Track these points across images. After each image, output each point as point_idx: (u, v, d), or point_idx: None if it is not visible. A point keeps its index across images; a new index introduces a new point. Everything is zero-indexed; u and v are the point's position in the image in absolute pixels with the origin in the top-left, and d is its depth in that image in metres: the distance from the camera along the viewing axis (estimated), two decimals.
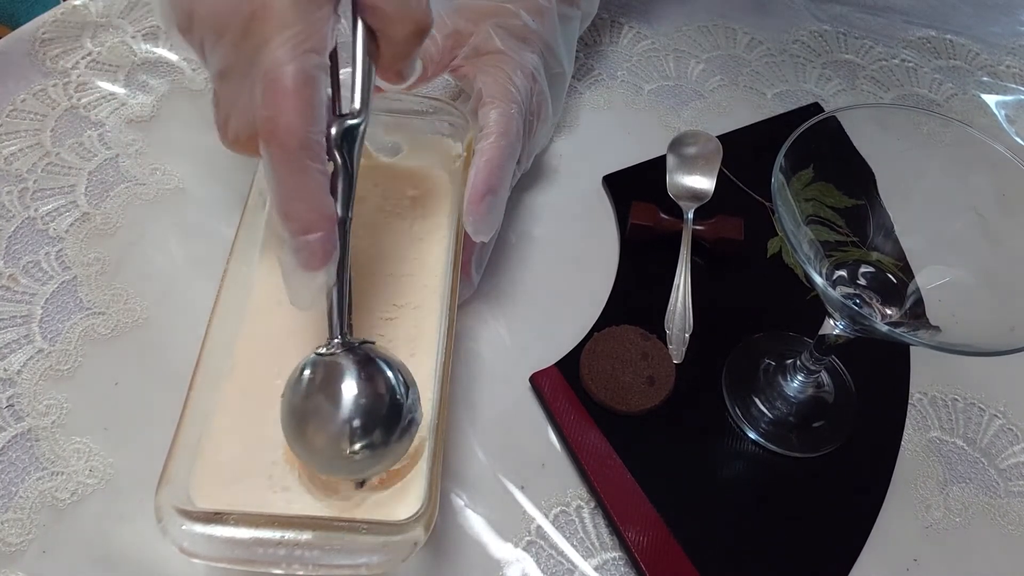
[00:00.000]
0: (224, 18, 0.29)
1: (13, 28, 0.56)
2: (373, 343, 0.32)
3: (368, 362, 0.31)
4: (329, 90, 0.30)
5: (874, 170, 0.37)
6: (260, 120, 0.28)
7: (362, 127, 0.32)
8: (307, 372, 0.31)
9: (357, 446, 0.30)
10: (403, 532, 0.29)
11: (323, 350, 0.31)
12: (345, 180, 0.31)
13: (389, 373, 0.31)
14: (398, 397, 0.31)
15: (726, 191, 0.50)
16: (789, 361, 0.43)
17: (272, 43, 0.28)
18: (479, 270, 0.45)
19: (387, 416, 0.30)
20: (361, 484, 0.32)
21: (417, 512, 0.30)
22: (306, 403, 0.31)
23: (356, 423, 0.30)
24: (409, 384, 0.32)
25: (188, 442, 0.32)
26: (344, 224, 0.31)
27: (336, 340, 0.31)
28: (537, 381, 0.43)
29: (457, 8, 0.46)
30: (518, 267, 0.48)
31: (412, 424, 0.31)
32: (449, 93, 0.54)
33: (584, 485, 0.40)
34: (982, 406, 0.44)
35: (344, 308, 0.31)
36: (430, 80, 0.48)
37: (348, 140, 0.31)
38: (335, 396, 0.30)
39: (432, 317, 0.38)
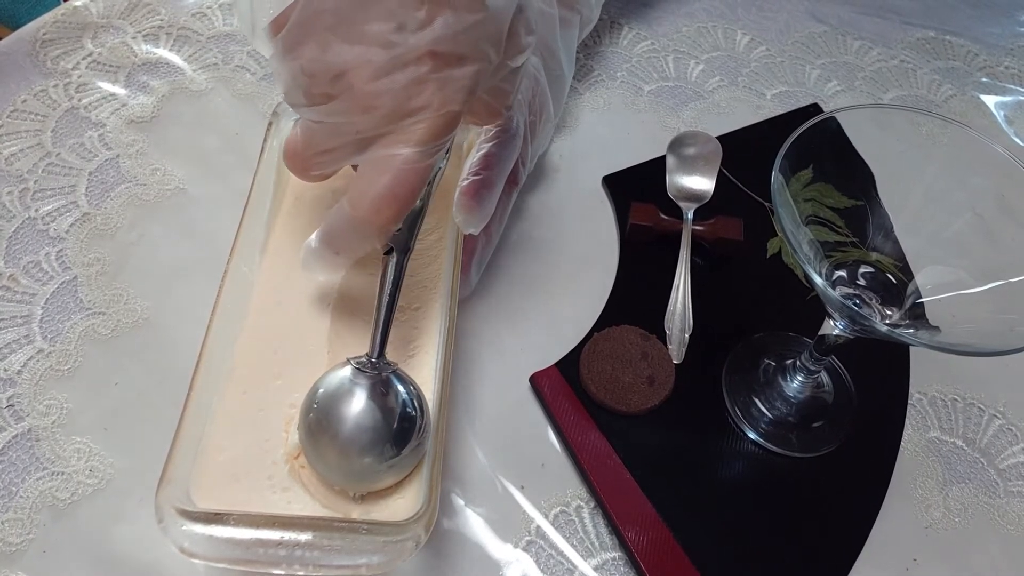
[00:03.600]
0: (378, 100, 0.30)
1: (14, 29, 0.56)
2: (397, 365, 0.34)
3: (390, 383, 0.33)
4: None
5: (873, 170, 0.37)
6: (376, 190, 0.31)
7: (442, 170, 0.36)
8: (334, 384, 0.33)
9: (368, 459, 0.31)
10: (403, 532, 0.29)
11: (356, 363, 0.33)
12: (419, 215, 0.35)
13: (407, 396, 0.33)
14: (412, 414, 0.33)
15: (726, 191, 0.50)
16: (789, 361, 0.43)
17: (412, 146, 0.31)
18: (479, 271, 0.45)
19: (401, 434, 0.32)
20: (362, 498, 0.33)
21: (417, 512, 0.30)
22: (328, 413, 0.32)
23: (374, 436, 0.31)
24: (423, 407, 0.33)
25: (188, 442, 0.32)
26: (406, 253, 0.34)
27: (373, 359, 0.33)
28: (537, 381, 0.43)
29: None
30: (518, 267, 0.48)
31: (421, 445, 0.33)
32: None
33: (584, 485, 0.40)
34: (982, 406, 0.45)
35: (387, 331, 0.33)
36: None
37: (431, 184, 0.35)
38: (358, 411, 0.32)
39: (432, 317, 0.38)
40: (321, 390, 0.33)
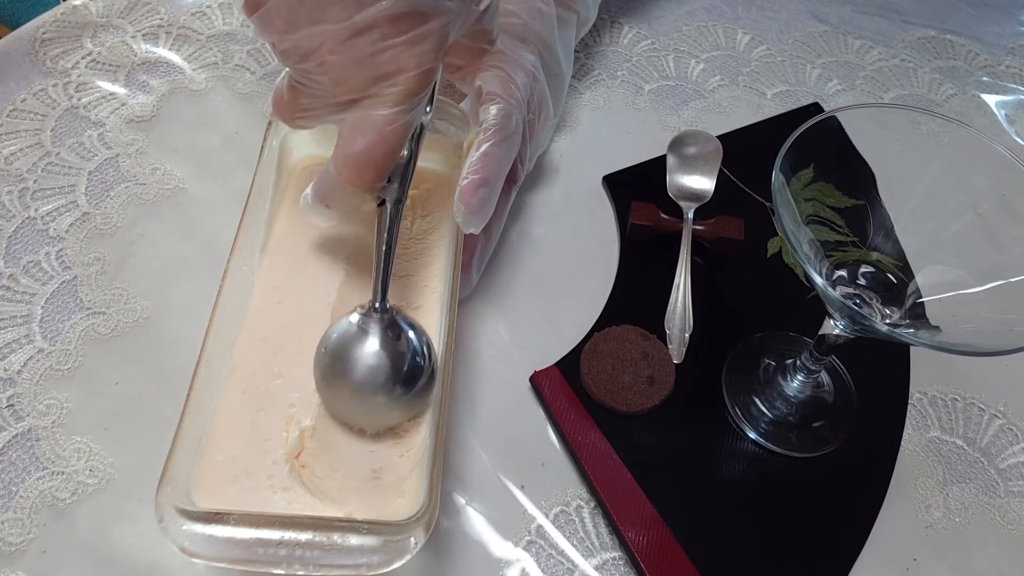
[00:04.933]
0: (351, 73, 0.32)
1: (13, 28, 0.56)
2: (401, 310, 0.36)
3: (397, 326, 0.35)
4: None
5: (874, 170, 0.37)
6: (356, 153, 0.33)
7: (429, 121, 0.36)
8: (346, 329, 0.34)
9: (381, 397, 0.33)
10: (403, 532, 0.29)
11: (364, 311, 0.35)
12: (408, 167, 0.36)
13: (414, 337, 0.35)
14: (419, 359, 0.34)
15: (726, 191, 0.50)
16: (789, 361, 0.43)
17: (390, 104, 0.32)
18: (479, 270, 0.45)
19: (410, 373, 0.34)
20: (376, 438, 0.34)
21: (417, 512, 0.30)
22: (342, 356, 0.34)
23: (384, 377, 0.33)
24: (430, 348, 0.35)
25: (188, 442, 0.32)
26: (399, 203, 0.35)
27: (377, 304, 0.35)
28: (537, 381, 0.43)
29: None
30: (518, 267, 0.48)
31: (430, 383, 0.35)
32: (454, 95, 0.54)
33: (584, 485, 0.40)
34: (982, 406, 0.44)
35: (388, 279, 0.35)
36: None
37: (416, 137, 0.36)
38: (368, 352, 0.34)
39: (432, 317, 0.38)
40: (334, 335, 0.34)
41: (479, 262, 0.44)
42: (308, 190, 0.37)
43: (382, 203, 0.35)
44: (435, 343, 0.36)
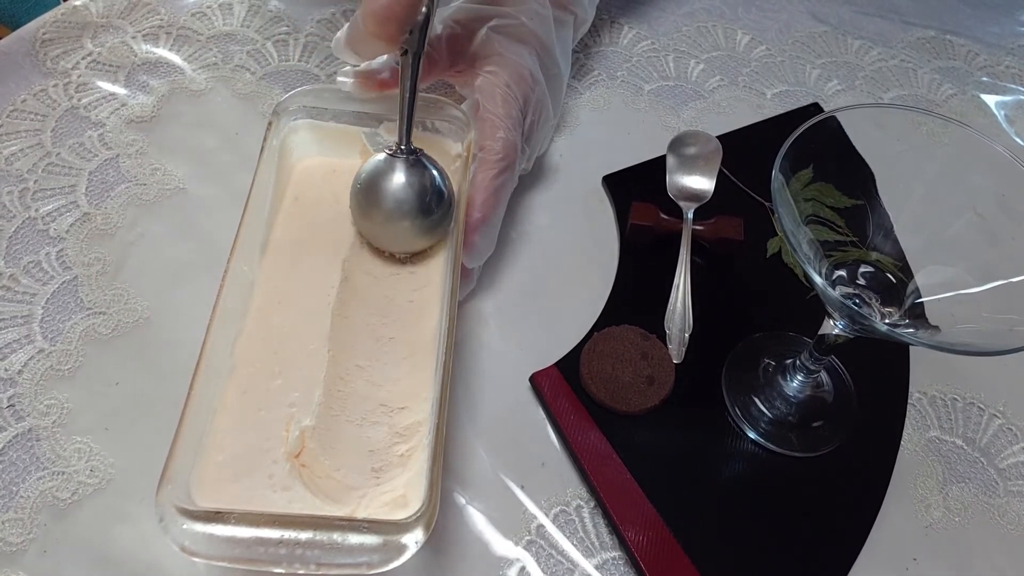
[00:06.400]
0: None
1: (14, 28, 0.56)
2: (422, 150, 0.40)
3: (420, 164, 0.39)
4: None
5: (874, 170, 0.37)
6: (379, 8, 0.37)
7: None
8: (376, 166, 0.39)
9: (407, 222, 0.39)
10: (403, 531, 0.29)
11: (391, 151, 0.39)
12: (426, 22, 0.39)
13: (435, 173, 0.40)
14: (439, 191, 0.39)
15: (726, 191, 0.50)
16: (789, 361, 0.43)
17: None
18: (478, 269, 0.45)
19: (431, 203, 0.39)
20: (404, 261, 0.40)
21: (417, 511, 0.30)
22: (373, 189, 0.39)
23: (409, 206, 0.38)
24: (447, 182, 0.40)
25: (189, 441, 0.32)
26: (418, 56, 0.39)
27: (403, 146, 0.39)
28: (537, 381, 0.43)
29: (454, 13, 0.47)
30: (518, 267, 0.48)
31: (448, 213, 0.40)
32: (452, 96, 0.54)
33: (584, 485, 0.40)
34: (982, 406, 0.45)
35: (411, 123, 0.39)
36: (430, 82, 0.48)
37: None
38: (396, 185, 0.39)
39: (432, 317, 0.38)
40: (365, 172, 0.39)
41: (478, 258, 0.44)
42: (340, 33, 0.41)
43: (404, 52, 0.39)
44: (436, 345, 0.36)
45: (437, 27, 0.46)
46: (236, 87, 0.55)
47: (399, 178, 0.39)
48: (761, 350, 0.45)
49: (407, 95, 0.38)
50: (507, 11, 0.47)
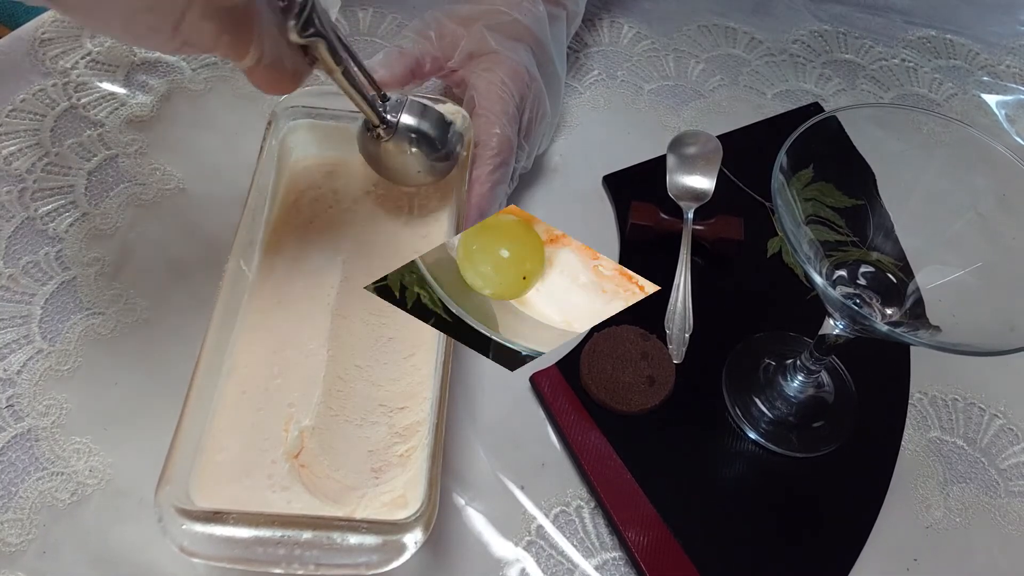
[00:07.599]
0: None
1: (13, 28, 0.56)
2: (408, 97, 0.40)
3: (424, 106, 0.39)
4: None
5: (874, 170, 0.37)
6: None
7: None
8: (388, 116, 0.39)
9: (420, 169, 0.39)
10: (403, 532, 0.29)
11: (384, 118, 0.38)
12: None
13: (440, 108, 0.40)
14: (448, 121, 0.40)
15: (726, 191, 0.50)
16: (789, 361, 0.43)
17: None
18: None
19: (439, 137, 0.39)
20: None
21: (417, 512, 0.30)
22: (385, 139, 0.39)
23: (419, 139, 0.39)
24: (451, 117, 0.41)
25: (188, 442, 0.32)
26: (331, 43, 0.33)
27: (389, 99, 0.39)
28: (537, 381, 0.43)
29: (449, 12, 0.47)
30: None
31: (457, 145, 0.41)
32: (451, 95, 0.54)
33: (584, 485, 0.40)
34: (982, 406, 0.44)
35: (364, 93, 0.36)
36: (424, 82, 0.48)
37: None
38: (408, 125, 0.39)
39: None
40: (360, 129, 0.40)
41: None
42: None
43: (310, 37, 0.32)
44: (435, 345, 0.36)
45: (433, 26, 0.46)
46: (236, 87, 0.55)
47: (410, 117, 0.39)
48: (761, 350, 0.45)
49: (344, 82, 0.35)
50: (501, 8, 0.47)
